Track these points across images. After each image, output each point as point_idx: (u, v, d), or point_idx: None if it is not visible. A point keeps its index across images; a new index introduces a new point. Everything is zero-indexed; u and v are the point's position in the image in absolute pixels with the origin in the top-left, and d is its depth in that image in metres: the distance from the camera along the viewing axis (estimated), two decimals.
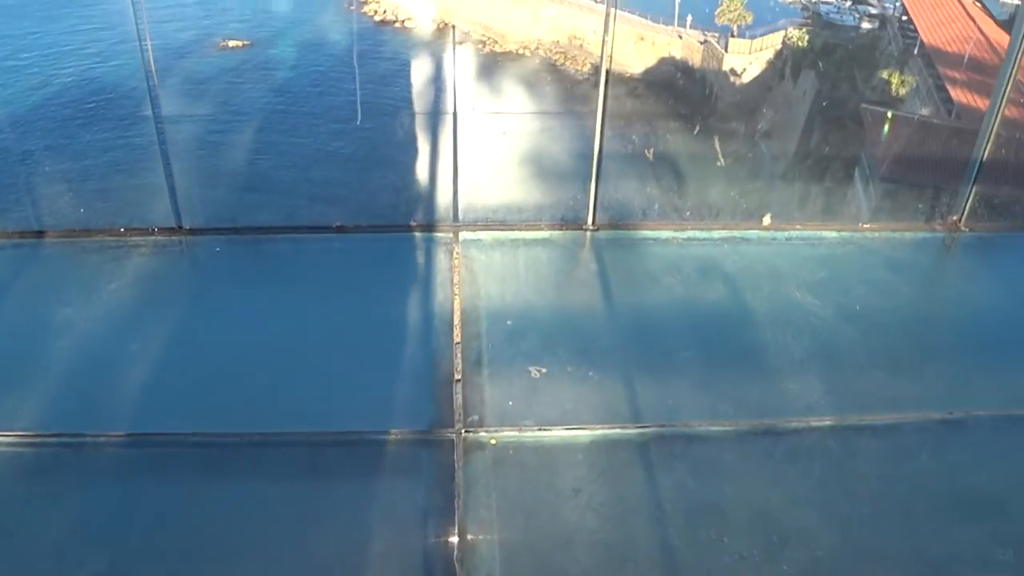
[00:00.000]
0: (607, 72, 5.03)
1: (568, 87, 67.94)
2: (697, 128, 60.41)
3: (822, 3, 71.79)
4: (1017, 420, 4.30)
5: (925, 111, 46.64)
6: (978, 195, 5.26)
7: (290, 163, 43.21)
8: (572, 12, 72.78)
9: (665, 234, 5.12)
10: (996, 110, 5.00)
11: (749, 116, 61.64)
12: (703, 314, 4.77)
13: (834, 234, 5.19)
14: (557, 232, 5.22)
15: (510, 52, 74.73)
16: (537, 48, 75.01)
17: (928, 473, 4.06)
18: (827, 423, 4.22)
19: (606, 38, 5.01)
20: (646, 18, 69.31)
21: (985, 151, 5.10)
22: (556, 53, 74.00)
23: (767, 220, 5.19)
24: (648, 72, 69.29)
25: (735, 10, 64.82)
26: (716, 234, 5.14)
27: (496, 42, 75.91)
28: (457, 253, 5.08)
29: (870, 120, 43.55)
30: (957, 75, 46.55)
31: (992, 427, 4.27)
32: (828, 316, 4.68)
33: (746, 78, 63.00)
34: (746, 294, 4.81)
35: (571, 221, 5.21)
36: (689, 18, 66.91)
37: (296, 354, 4.63)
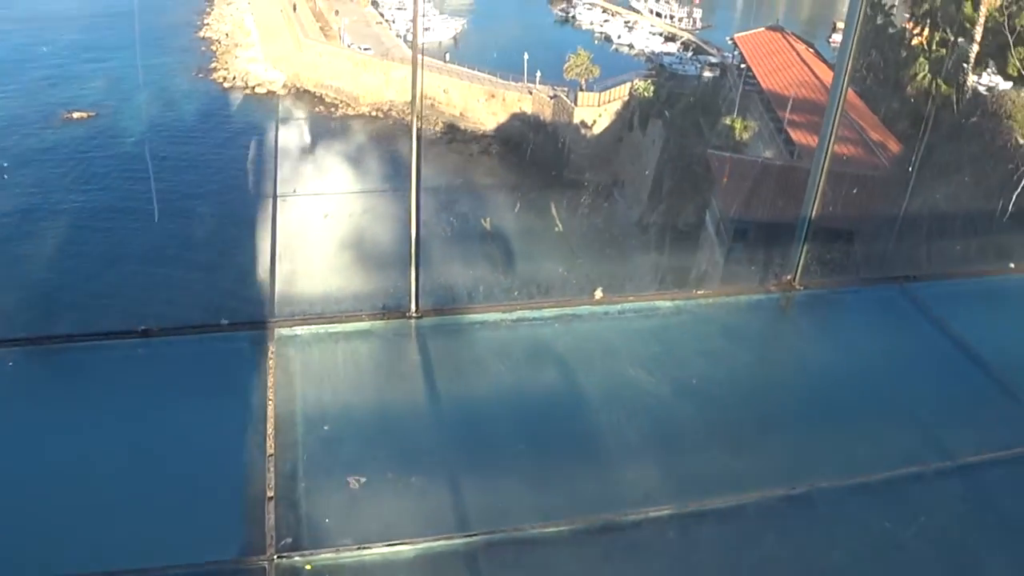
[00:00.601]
0: (418, 155, 4.74)
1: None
2: (541, 190, 61.36)
3: (665, 55, 74.40)
4: (860, 489, 4.15)
5: (768, 153, 48.40)
6: (810, 252, 5.19)
7: (94, 262, 41.61)
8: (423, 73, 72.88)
9: (493, 316, 4.85)
10: (819, 171, 4.94)
11: (601, 167, 62.94)
12: (534, 402, 4.50)
13: (668, 303, 5.01)
14: (379, 322, 4.86)
15: (363, 114, 74.56)
16: (390, 109, 75.10)
17: (774, 558, 3.86)
18: (666, 512, 3.97)
19: (413, 119, 4.71)
20: (496, 75, 70.45)
21: (813, 209, 5.03)
22: (408, 113, 73.92)
23: (599, 294, 4.98)
24: (500, 128, 70.15)
25: (582, 64, 66.42)
26: (547, 312, 4.89)
27: (349, 105, 75.65)
28: (272, 353, 4.68)
29: (716, 165, 44.84)
30: (795, 118, 48.53)
31: (836, 500, 4.11)
32: (664, 393, 4.48)
33: (597, 129, 64.44)
34: (579, 376, 4.57)
35: (393, 309, 4.88)
36: (538, 74, 68.24)
37: (91, 481, 4.12)
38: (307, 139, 64.37)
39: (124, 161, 57.09)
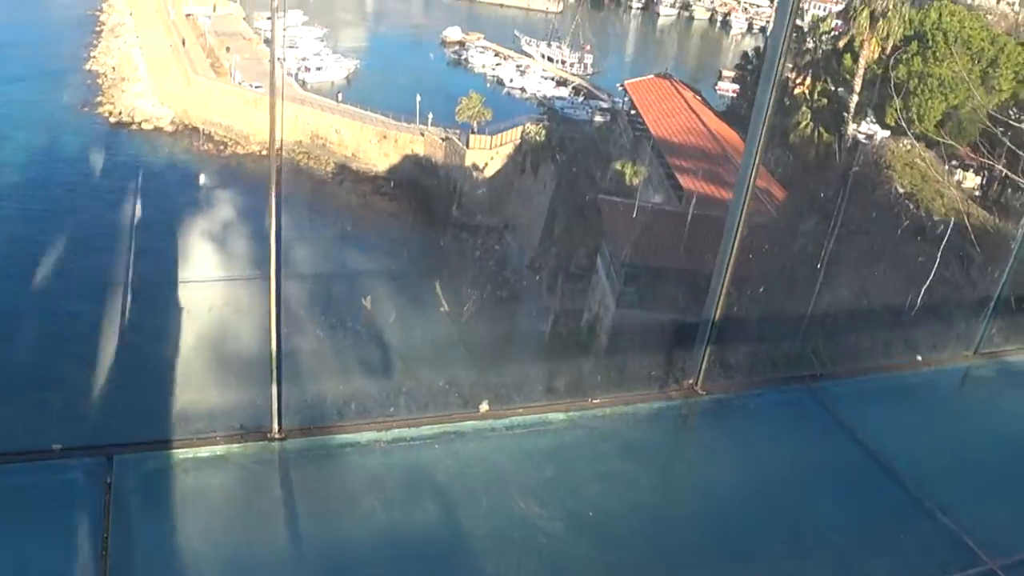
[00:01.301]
0: (278, 245, 4.13)
1: (311, 190, 66.98)
2: (432, 232, 60.87)
3: (557, 99, 75.09)
4: None
5: (658, 198, 49.01)
6: (713, 354, 4.80)
7: None
8: (313, 112, 72.24)
9: (367, 436, 4.28)
10: (724, 271, 4.56)
11: (493, 210, 62.89)
12: (411, 546, 3.91)
13: (561, 416, 4.52)
14: (235, 446, 4.21)
15: (253, 153, 72.98)
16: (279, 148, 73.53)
17: None
18: None
19: (271, 201, 4.08)
20: (388, 116, 69.96)
21: (717, 309, 4.65)
22: (299, 153, 72.96)
23: (484, 407, 4.47)
24: (392, 170, 69.57)
25: (474, 107, 66.46)
26: (427, 430, 4.34)
27: (239, 143, 74.02)
28: (109, 484, 4.02)
29: (607, 210, 45.14)
30: (684, 163, 49.32)
31: None
32: (557, 531, 3.97)
33: (488, 172, 64.44)
34: (462, 510, 4.03)
35: (253, 429, 4.28)
36: (431, 116, 68.02)
37: None
38: (182, 192, 62.09)
39: None
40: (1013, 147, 31.86)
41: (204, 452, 4.21)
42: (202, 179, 64.01)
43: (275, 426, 4.27)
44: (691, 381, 4.84)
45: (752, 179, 4.58)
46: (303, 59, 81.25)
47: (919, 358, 5.71)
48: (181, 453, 4.17)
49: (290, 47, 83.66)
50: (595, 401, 4.65)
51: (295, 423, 4.30)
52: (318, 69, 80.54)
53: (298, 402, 4.39)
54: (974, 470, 5.08)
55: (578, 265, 49.75)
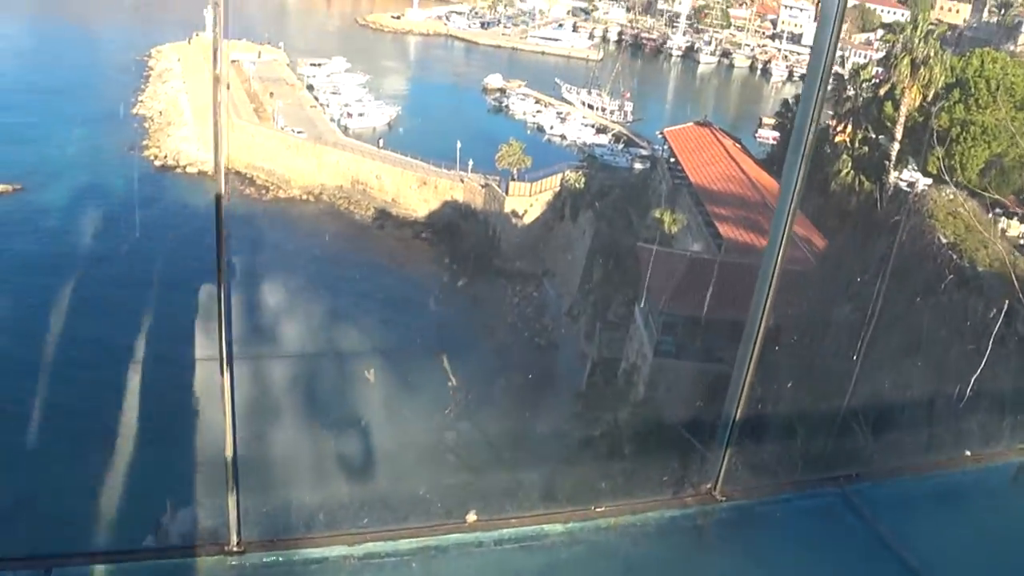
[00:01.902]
0: (227, 325, 3.63)
1: (352, 235, 67.12)
2: (471, 277, 60.49)
3: (596, 146, 75.03)
4: None
5: (696, 247, 48.39)
6: (733, 456, 4.26)
7: None
8: (355, 158, 72.76)
9: (336, 551, 3.74)
10: (749, 359, 4.03)
11: (532, 256, 62.62)
12: None
13: (559, 528, 3.94)
14: (188, 559, 3.69)
15: (294, 198, 73.58)
16: (321, 193, 74.26)
17: None
18: None
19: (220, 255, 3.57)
20: (429, 162, 70.18)
21: (739, 408, 4.12)
22: (340, 198, 73.46)
23: (471, 517, 3.95)
24: (432, 216, 69.71)
25: (514, 154, 66.48)
26: (403, 544, 3.78)
27: (280, 188, 74.66)
28: None
29: (645, 258, 44.64)
30: (723, 212, 48.75)
31: None
32: None
33: (528, 219, 64.28)
34: None
35: (209, 541, 3.77)
36: (471, 162, 68.14)
37: None
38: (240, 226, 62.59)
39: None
40: None
41: (151, 566, 3.72)
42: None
43: (233, 537, 3.76)
44: (708, 485, 4.31)
45: (781, 253, 4.08)
46: (345, 105, 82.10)
47: (967, 452, 5.12)
48: (124, 565, 3.69)
49: (333, 93, 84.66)
50: (598, 510, 4.12)
51: (255, 534, 3.79)
52: (360, 115, 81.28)
53: (262, 509, 3.91)
54: None
55: (616, 313, 49.24)
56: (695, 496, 4.30)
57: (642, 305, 44.48)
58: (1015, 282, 28.03)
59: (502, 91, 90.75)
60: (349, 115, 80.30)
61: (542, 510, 3.99)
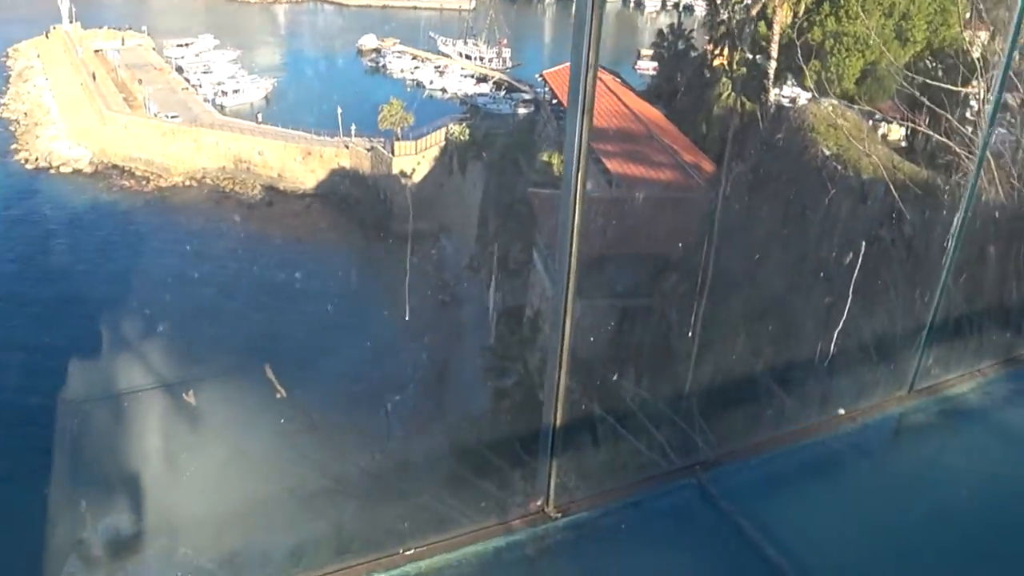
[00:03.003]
0: None
1: (240, 215, 65.17)
2: (368, 243, 59.34)
3: (479, 95, 73.92)
4: None
5: (588, 184, 48.06)
6: (564, 462, 3.63)
7: None
8: (234, 136, 70.41)
9: None
10: (560, 352, 3.38)
11: (426, 215, 61.61)
12: None
13: None
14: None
15: (176, 185, 70.96)
16: (204, 177, 71.71)
17: None
18: None
19: None
20: (311, 132, 68.31)
21: (558, 410, 3.48)
22: (224, 179, 71.07)
23: None
24: (321, 185, 68.01)
25: (396, 114, 65.01)
26: None
27: (161, 176, 71.86)
28: None
29: (538, 203, 44.20)
30: (610, 148, 48.45)
31: None
32: None
33: (417, 178, 63.13)
34: None
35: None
36: (354, 127, 66.49)
37: None
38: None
39: None
40: (930, 105, 31.35)
41: None
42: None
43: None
44: (539, 501, 3.67)
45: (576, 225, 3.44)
46: (218, 83, 79.43)
47: (841, 411, 4.60)
48: None
49: (204, 72, 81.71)
50: (407, 553, 3.45)
51: None
52: (235, 92, 78.73)
53: None
54: (914, 549, 4.00)
55: (516, 260, 48.81)
56: (525, 517, 3.66)
57: (540, 249, 44.18)
58: (893, 190, 28.27)
59: (377, 51, 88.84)
60: (223, 93, 77.72)
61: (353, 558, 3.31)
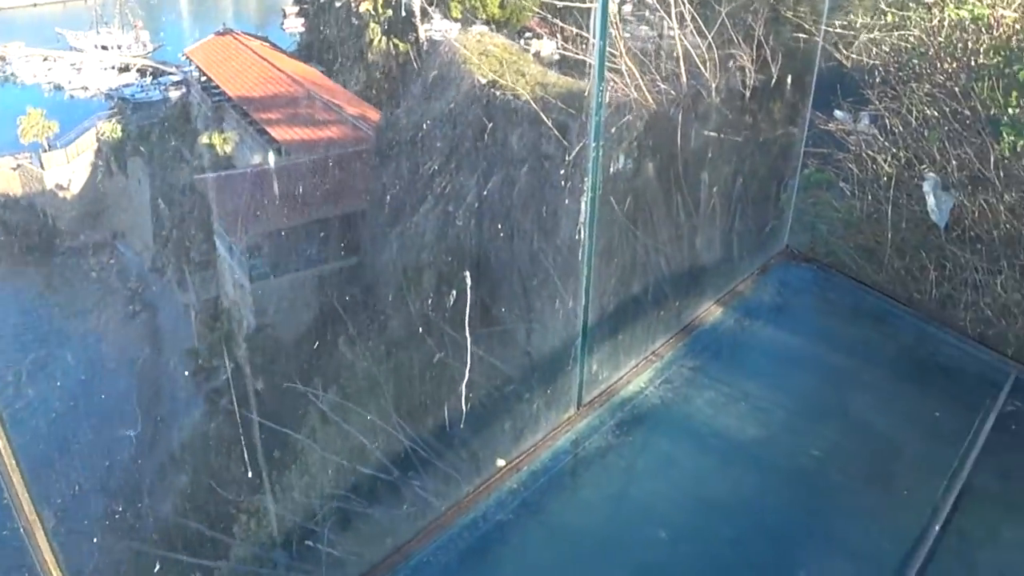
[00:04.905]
0: None
1: None
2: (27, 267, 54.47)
3: (125, 87, 68.95)
4: None
5: (257, 158, 46.07)
6: None
7: None
8: None
9: None
10: None
11: (95, 224, 57.15)
12: None
13: None
14: None
15: None
16: None
17: None
18: None
19: None
20: None
21: None
22: None
23: None
24: None
25: (36, 124, 59.37)
26: None
27: None
28: None
29: (208, 188, 42.08)
30: (272, 115, 46.76)
31: None
32: None
33: (75, 188, 58.30)
34: None
35: None
36: None
37: None
38: None
39: None
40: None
41: None
42: None
43: None
44: None
45: None
46: None
47: (501, 462, 3.93)
48: None
49: None
50: None
51: None
52: None
53: None
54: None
55: (200, 252, 46.33)
56: None
57: (223, 236, 42.17)
58: (542, 115, 28.55)
59: (2, 59, 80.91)
60: None
61: None
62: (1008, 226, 8.53)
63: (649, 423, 5.23)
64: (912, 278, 9.24)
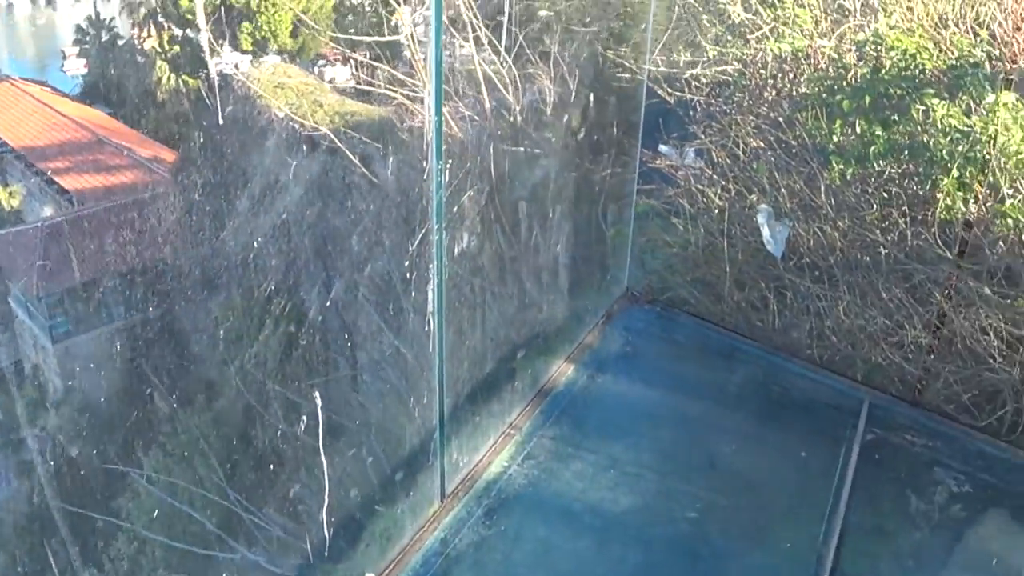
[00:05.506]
0: None
1: None
2: None
3: None
4: None
5: (48, 211, 43.81)
6: None
7: None
8: None
9: None
10: None
11: None
12: None
13: None
14: None
15: None
16: None
17: None
18: None
19: None
20: None
21: None
22: None
23: None
24: None
25: None
26: None
27: None
28: None
29: (1, 247, 39.90)
30: (60, 164, 44.68)
31: None
32: None
33: None
34: None
35: None
36: None
37: None
38: None
39: None
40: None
41: None
42: None
43: None
44: None
45: None
46: None
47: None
48: None
49: None
50: None
51: None
52: None
53: None
54: None
55: None
56: None
57: (18, 297, 39.98)
58: (343, 148, 28.23)
59: None
60: None
61: None
62: (843, 252, 8.88)
63: (519, 508, 5.17)
64: (753, 308, 9.50)
